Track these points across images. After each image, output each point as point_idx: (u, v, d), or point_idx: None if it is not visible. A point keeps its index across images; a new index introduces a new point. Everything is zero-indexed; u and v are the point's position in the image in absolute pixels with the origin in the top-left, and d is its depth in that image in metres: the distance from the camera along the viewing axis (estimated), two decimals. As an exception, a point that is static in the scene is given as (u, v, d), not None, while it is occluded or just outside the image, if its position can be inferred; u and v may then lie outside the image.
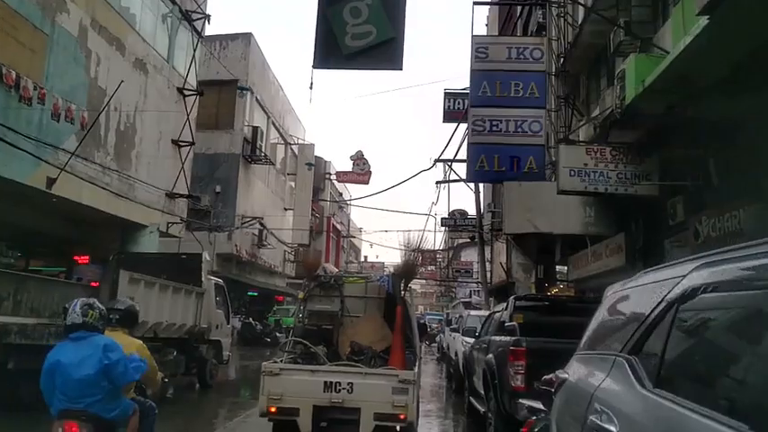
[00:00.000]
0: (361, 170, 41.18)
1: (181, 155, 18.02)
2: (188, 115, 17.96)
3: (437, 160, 24.20)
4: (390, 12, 8.57)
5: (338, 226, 47.01)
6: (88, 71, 13.20)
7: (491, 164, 12.26)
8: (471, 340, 9.60)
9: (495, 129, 12.35)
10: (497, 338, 6.63)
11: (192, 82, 18.39)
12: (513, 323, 5.94)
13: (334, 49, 8.54)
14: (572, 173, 9.61)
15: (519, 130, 12.28)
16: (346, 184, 45.47)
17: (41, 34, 11.47)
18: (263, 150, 25.59)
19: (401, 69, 8.48)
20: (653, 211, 10.84)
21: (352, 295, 6.88)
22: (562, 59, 12.77)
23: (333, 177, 42.82)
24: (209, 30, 19.92)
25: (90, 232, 15.14)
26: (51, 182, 11.90)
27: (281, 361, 6.11)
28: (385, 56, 8.52)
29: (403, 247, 6.73)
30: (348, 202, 46.01)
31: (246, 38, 24.70)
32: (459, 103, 25.31)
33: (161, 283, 8.97)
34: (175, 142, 17.76)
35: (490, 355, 6.59)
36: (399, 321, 6.10)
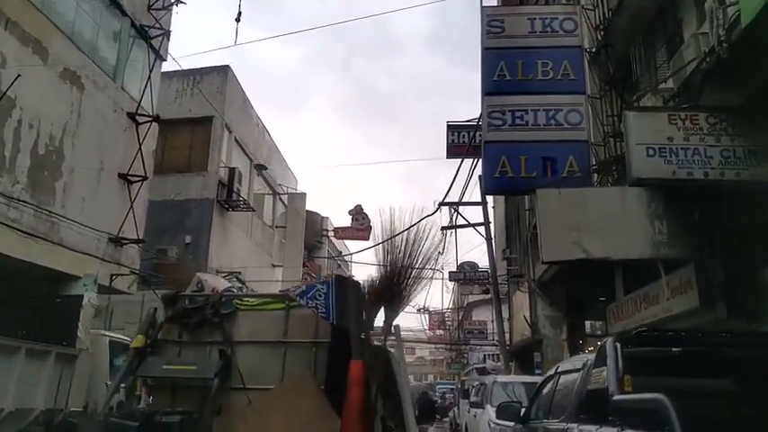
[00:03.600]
0: (360, 225, 38.34)
1: (131, 192, 14.84)
2: (140, 145, 14.89)
3: (441, 204, 21.23)
4: None
5: (337, 287, 43.38)
6: (-14, 71, 10.25)
7: (516, 168, 8.95)
8: (510, 424, 5.91)
9: (519, 122, 9.14)
10: (593, 430, 3.04)
11: (148, 107, 15.44)
12: (657, 397, 2.40)
13: None
14: (651, 151, 6.31)
15: (552, 122, 9.05)
16: (345, 241, 42.38)
17: None
18: (243, 196, 22.43)
19: None
20: (733, 223, 7.46)
21: (255, 340, 3.09)
22: (601, 33, 9.72)
23: (330, 234, 39.86)
24: (186, 64, 17.23)
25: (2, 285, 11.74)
26: None
27: None
28: None
29: (380, 242, 3.19)
30: (346, 258, 42.90)
31: (223, 71, 22.08)
32: (463, 136, 22.44)
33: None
34: (124, 176, 14.61)
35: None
36: (356, 395, 2.42)
